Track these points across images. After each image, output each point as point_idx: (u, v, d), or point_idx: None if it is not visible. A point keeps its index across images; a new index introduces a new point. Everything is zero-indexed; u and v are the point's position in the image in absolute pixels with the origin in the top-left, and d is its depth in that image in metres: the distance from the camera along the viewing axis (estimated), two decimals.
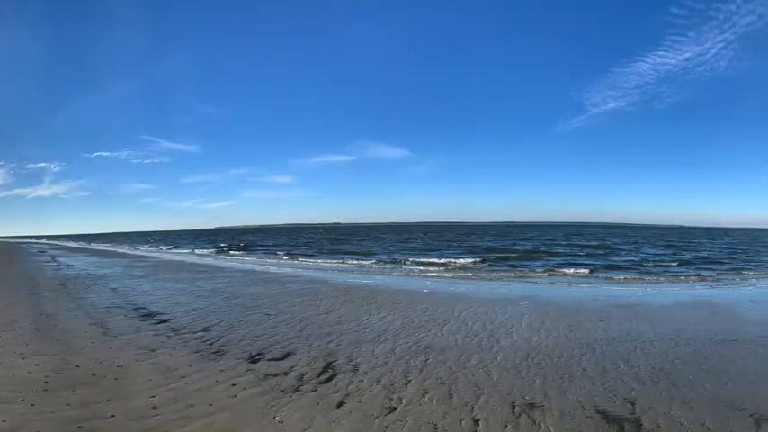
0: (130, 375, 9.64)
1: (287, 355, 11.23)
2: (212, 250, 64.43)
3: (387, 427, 7.28)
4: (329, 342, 12.13)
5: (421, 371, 9.84)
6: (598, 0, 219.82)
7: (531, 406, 8.00)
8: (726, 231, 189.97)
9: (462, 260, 40.18)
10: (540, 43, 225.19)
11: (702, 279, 27.50)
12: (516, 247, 56.84)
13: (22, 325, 14.02)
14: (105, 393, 8.66)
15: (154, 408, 8.17)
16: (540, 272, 31.92)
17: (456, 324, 14.13)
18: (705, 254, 49.20)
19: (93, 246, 78.50)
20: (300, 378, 9.58)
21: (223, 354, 11.54)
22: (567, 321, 14.06)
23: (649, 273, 31.44)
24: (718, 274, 30.51)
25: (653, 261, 39.56)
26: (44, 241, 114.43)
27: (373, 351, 11.29)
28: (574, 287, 22.89)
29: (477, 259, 41.04)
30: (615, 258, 43.39)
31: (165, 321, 15.26)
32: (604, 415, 7.56)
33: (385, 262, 40.84)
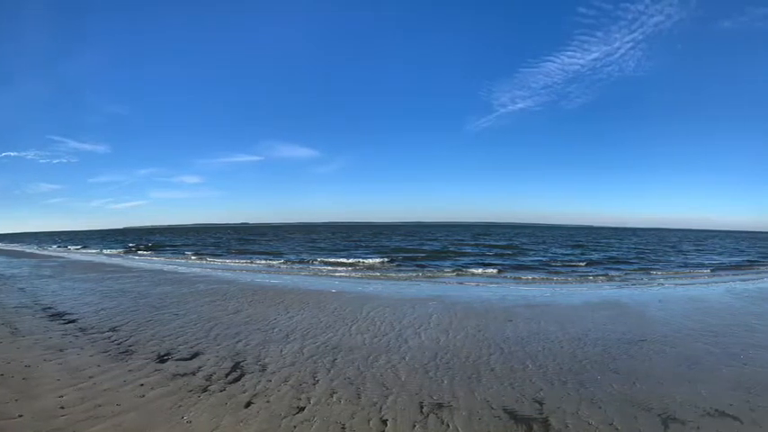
0: (38, 375, 11.10)
1: (195, 355, 12.83)
2: (121, 250, 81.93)
3: (295, 427, 8.29)
4: (237, 342, 14.31)
5: (329, 371, 11.53)
6: (505, 0, 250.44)
7: (440, 406, 9.18)
8: (634, 231, 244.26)
9: (370, 260, 50.71)
10: (448, 43, 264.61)
11: (610, 279, 35.38)
12: (424, 247, 74.12)
13: None
14: (13, 393, 9.84)
15: (62, 408, 9.08)
16: (448, 272, 39.92)
17: (364, 324, 16.87)
18: (613, 254, 63.61)
19: (1, 246, 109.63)
20: (208, 378, 10.94)
21: (131, 354, 13.08)
22: (476, 321, 17.19)
23: (557, 273, 39.71)
24: (626, 274, 39.27)
25: (561, 261, 51.05)
26: None
27: (281, 351, 13.25)
28: (482, 287, 28.96)
29: (386, 259, 51.69)
30: (523, 258, 55.30)
31: (73, 321, 17.52)
32: (512, 415, 8.70)
33: (293, 262, 51.33)
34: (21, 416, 8.49)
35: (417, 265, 45.61)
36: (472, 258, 54.04)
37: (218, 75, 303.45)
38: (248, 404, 9.24)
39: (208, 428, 8.20)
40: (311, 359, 12.46)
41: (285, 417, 8.66)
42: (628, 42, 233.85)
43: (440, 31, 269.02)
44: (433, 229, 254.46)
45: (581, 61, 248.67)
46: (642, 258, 56.17)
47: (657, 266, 44.51)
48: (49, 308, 19.83)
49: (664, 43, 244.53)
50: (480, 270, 40.80)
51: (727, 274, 37.74)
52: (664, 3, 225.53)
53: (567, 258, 54.56)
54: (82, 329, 15.94)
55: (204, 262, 53.64)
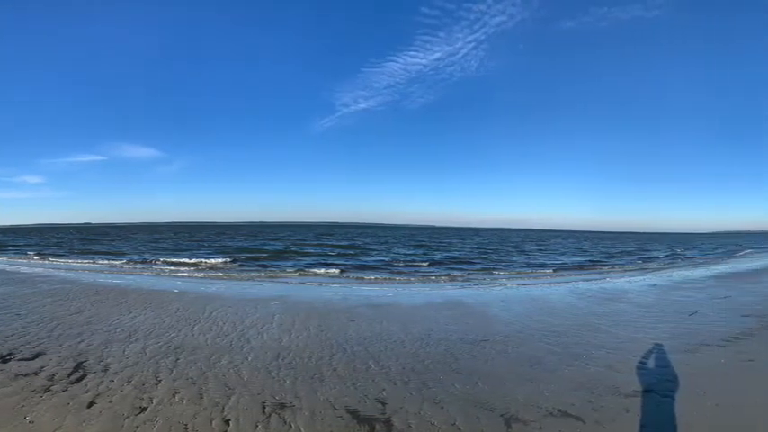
0: None
1: (37, 356, 12.55)
2: None
3: (137, 427, 8.18)
4: (80, 342, 13.98)
5: (171, 371, 11.38)
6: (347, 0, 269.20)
7: (282, 406, 9.20)
8: (476, 231, 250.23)
9: (213, 260, 50.90)
10: (289, 42, 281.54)
11: (453, 279, 36.21)
12: (267, 247, 75.53)
13: None
14: None
15: None
16: (290, 272, 40.78)
17: (207, 324, 16.74)
18: (456, 254, 65.64)
19: None
20: (51, 378, 10.72)
21: None
22: (318, 321, 17.30)
23: (400, 273, 40.76)
24: (468, 274, 40.33)
25: (404, 261, 52.95)
26: None
27: (124, 351, 13.01)
28: (325, 287, 29.36)
29: (228, 259, 52.28)
30: (366, 258, 57.41)
31: None
32: (355, 415, 8.74)
33: (136, 262, 50.93)
34: None
35: (260, 265, 46.33)
36: (315, 258, 55.66)
37: (61, 75, 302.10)
38: (91, 404, 9.13)
39: (50, 428, 8.09)
40: (154, 359, 12.41)
41: (128, 417, 8.61)
42: (470, 42, 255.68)
43: (282, 30, 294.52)
44: (275, 229, 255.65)
45: (423, 61, 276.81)
46: (485, 258, 58.54)
47: (500, 266, 46.08)
48: None
49: (506, 43, 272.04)
50: (323, 270, 41.90)
51: (570, 275, 39.41)
52: (506, 3, 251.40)
53: (409, 258, 56.46)
54: None
55: (47, 262, 51.59)
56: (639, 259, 58.26)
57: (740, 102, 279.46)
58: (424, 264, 49.25)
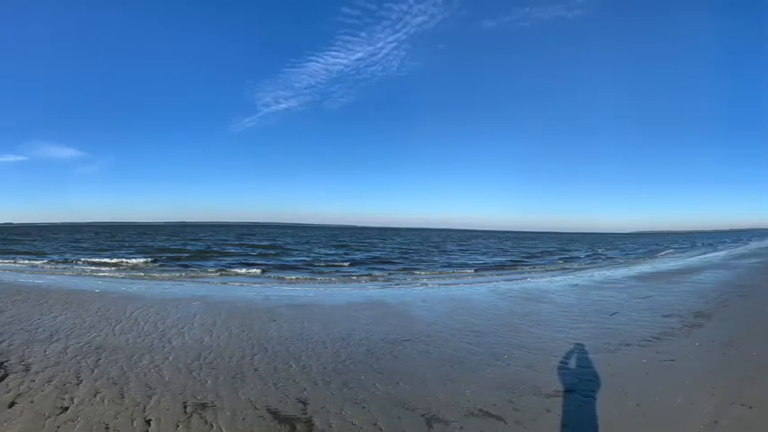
0: None
1: None
2: None
3: (59, 427, 7.96)
4: (1, 342, 13.45)
5: (93, 371, 11.04)
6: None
7: (203, 406, 9.02)
8: (398, 232, 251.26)
9: (134, 260, 49.36)
10: (210, 42, 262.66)
11: (374, 279, 36.43)
12: (188, 247, 74.01)
13: None
14: None
15: None
16: (212, 272, 40.48)
17: (128, 324, 16.20)
18: (377, 254, 66.44)
19: None
20: None
21: None
22: (240, 321, 16.84)
23: (321, 273, 40.80)
24: (390, 274, 40.41)
25: (325, 261, 53.03)
26: None
27: (45, 351, 12.60)
28: (246, 287, 28.91)
29: (149, 259, 50.90)
30: (287, 258, 57.23)
31: None
32: (276, 415, 8.60)
33: (57, 262, 49.14)
34: None
35: (181, 265, 45.96)
36: (236, 258, 55.49)
37: None
38: (12, 404, 8.90)
39: None
40: (75, 359, 12.07)
41: (49, 417, 8.39)
42: (391, 42, 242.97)
43: (202, 29, 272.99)
44: (197, 229, 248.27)
45: (345, 61, 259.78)
46: (406, 258, 59.07)
47: (421, 266, 46.34)
48: None
49: (427, 43, 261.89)
50: (244, 270, 41.78)
51: (491, 275, 39.69)
52: (427, 3, 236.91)
53: (330, 258, 56.77)
54: None
55: None
56: (560, 259, 59.06)
57: (658, 101, 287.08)
58: (345, 264, 49.24)
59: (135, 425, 8.18)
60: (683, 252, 74.59)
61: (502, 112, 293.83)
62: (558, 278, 34.02)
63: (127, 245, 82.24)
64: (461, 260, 55.63)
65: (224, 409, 9.00)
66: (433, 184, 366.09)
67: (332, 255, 62.79)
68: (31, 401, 9.08)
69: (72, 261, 49.79)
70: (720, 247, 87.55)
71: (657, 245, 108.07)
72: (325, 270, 43.14)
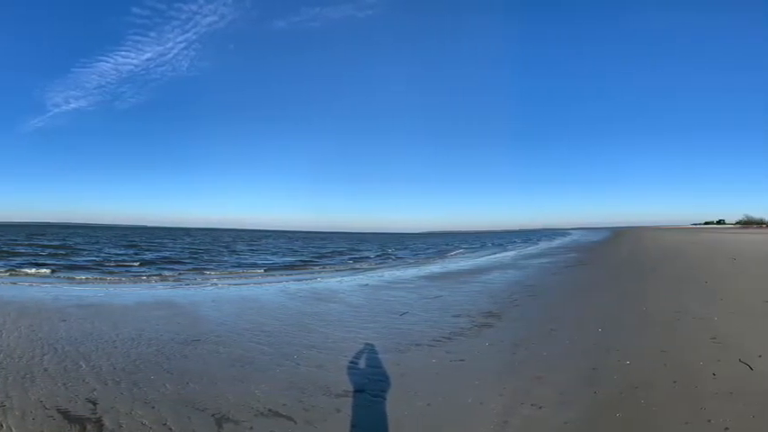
0: None
1: None
2: None
3: None
4: None
5: None
6: None
7: None
8: (188, 231, 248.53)
9: None
10: None
11: (165, 279, 34.51)
12: None
13: None
14: None
15: None
16: (1, 272, 36.71)
17: None
18: (167, 254, 62.19)
19: None
20: None
21: None
22: (29, 321, 15.99)
23: (112, 273, 38.49)
24: (180, 274, 38.57)
25: (115, 261, 49.52)
26: None
27: None
28: (36, 287, 26.68)
29: None
30: (77, 258, 52.04)
31: None
32: (66, 415, 8.22)
33: None
34: None
35: None
36: (26, 258, 50.72)
37: None
38: None
39: None
40: None
41: None
42: (181, 42, 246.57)
43: None
44: None
45: (135, 61, 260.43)
46: (196, 258, 57.55)
47: (211, 266, 45.29)
48: None
49: (218, 43, 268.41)
50: (34, 270, 39.01)
51: (281, 275, 39.31)
52: (218, 3, 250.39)
53: (120, 258, 53.98)
54: None
55: None
56: (351, 259, 59.28)
57: (449, 101, 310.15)
58: (135, 264, 47.23)
59: None
60: (474, 252, 76.48)
61: (292, 111, 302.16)
62: (348, 278, 34.11)
63: None
64: (251, 260, 55.24)
65: (14, 409, 8.55)
66: (222, 183, 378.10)
67: (122, 255, 60.11)
68: None
69: None
70: (510, 247, 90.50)
71: (447, 245, 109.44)
72: (116, 270, 41.28)
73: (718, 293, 18.63)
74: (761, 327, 13.01)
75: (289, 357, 12.20)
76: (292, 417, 8.28)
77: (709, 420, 7.38)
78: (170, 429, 7.78)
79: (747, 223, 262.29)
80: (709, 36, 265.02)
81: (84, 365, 11.30)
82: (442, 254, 71.17)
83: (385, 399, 9.10)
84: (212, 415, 8.33)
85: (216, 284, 29.92)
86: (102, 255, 58.77)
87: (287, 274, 40.00)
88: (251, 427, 7.85)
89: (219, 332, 15.14)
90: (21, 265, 41.89)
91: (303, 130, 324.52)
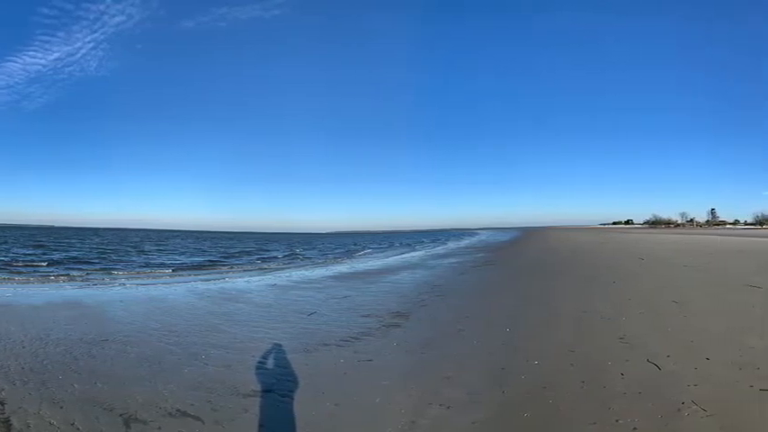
0: None
1: None
2: None
3: None
4: None
5: None
6: None
7: None
8: (96, 231, 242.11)
9: None
10: None
11: (72, 279, 33.14)
12: None
13: None
14: None
15: None
16: None
17: None
18: (75, 254, 59.80)
19: None
20: None
21: None
22: None
23: (20, 273, 37.20)
24: (87, 274, 37.38)
25: (23, 261, 48.15)
26: None
27: None
28: None
29: None
30: None
31: None
32: None
33: None
34: None
35: None
36: None
37: None
38: None
39: None
40: None
41: None
42: (89, 42, 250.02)
43: None
44: None
45: (42, 61, 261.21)
46: (104, 258, 55.84)
47: (119, 266, 44.29)
48: None
49: (125, 43, 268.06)
50: None
51: (190, 275, 38.78)
52: (125, 3, 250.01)
53: (28, 258, 52.49)
54: None
55: None
56: (259, 259, 58.87)
57: (356, 101, 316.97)
58: (43, 264, 45.75)
59: None
60: (382, 252, 76.42)
61: (200, 111, 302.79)
62: (257, 278, 33.75)
63: None
64: (160, 260, 54.44)
65: None
66: (130, 183, 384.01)
67: (30, 254, 58.10)
68: None
69: None
70: (419, 247, 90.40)
71: (356, 245, 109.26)
72: (24, 270, 40.10)
73: (627, 294, 18.97)
74: (668, 327, 13.27)
75: (197, 357, 12.04)
76: (200, 417, 8.18)
77: (617, 420, 7.50)
78: (78, 429, 7.61)
79: (655, 223, 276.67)
80: (617, 37, 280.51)
81: None
82: (350, 254, 71.02)
83: (293, 399, 9.04)
84: (120, 415, 8.16)
85: (124, 284, 29.20)
86: (10, 255, 57.12)
87: (195, 274, 39.44)
88: (159, 427, 7.73)
89: (128, 332, 14.82)
90: None
91: (211, 129, 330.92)
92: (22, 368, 10.75)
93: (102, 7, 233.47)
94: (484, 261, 43.59)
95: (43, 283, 30.56)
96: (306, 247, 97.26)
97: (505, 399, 8.67)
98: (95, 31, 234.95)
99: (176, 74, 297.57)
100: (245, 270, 43.96)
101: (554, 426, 7.58)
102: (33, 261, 48.41)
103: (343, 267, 43.07)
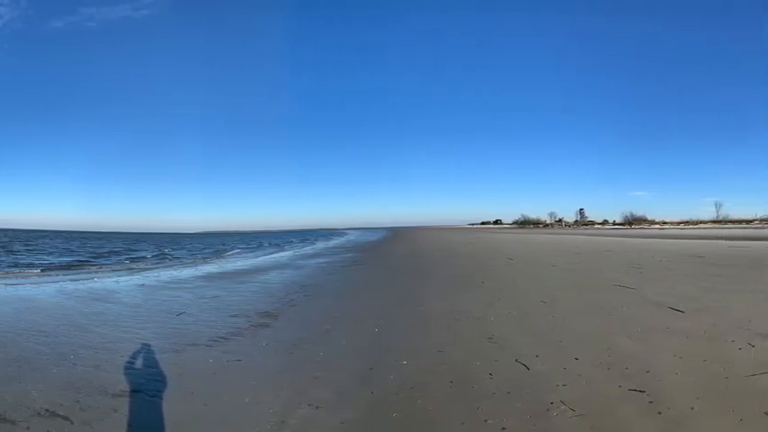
0: None
1: None
2: None
3: None
4: None
5: None
6: None
7: None
8: None
9: None
10: None
11: None
12: None
13: None
14: None
15: None
16: None
17: None
18: None
19: None
20: None
21: None
22: None
23: None
24: None
25: None
26: None
27: None
28: None
29: None
30: None
31: None
32: None
33: None
34: None
35: None
36: None
37: None
38: None
39: None
40: None
41: None
42: None
43: None
44: None
45: None
46: None
47: None
48: None
49: None
50: None
51: (59, 275, 37.20)
52: None
53: None
54: None
55: None
56: (127, 259, 57.10)
57: (229, 101, 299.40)
58: None
59: None
60: (251, 252, 75.33)
61: (70, 111, 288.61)
62: (125, 278, 32.70)
63: None
64: (28, 260, 52.33)
65: None
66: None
67: None
68: None
69: None
70: (287, 247, 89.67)
71: (224, 245, 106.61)
72: None
73: (496, 294, 19.12)
74: (537, 327, 13.45)
75: (66, 357, 11.60)
76: (69, 417, 7.90)
77: (486, 420, 7.56)
78: None
79: (524, 223, 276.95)
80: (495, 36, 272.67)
81: None
82: (219, 254, 69.95)
83: (162, 398, 8.86)
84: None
85: None
86: None
87: (64, 274, 37.99)
88: (27, 428, 7.44)
89: None
90: None
91: (81, 129, 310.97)
92: None
93: None
94: (353, 261, 43.65)
95: None
96: (174, 247, 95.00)
97: (374, 399, 8.67)
98: None
99: (45, 74, 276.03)
100: (113, 270, 42.74)
101: (423, 426, 7.60)
102: None
103: (212, 267, 42.45)
